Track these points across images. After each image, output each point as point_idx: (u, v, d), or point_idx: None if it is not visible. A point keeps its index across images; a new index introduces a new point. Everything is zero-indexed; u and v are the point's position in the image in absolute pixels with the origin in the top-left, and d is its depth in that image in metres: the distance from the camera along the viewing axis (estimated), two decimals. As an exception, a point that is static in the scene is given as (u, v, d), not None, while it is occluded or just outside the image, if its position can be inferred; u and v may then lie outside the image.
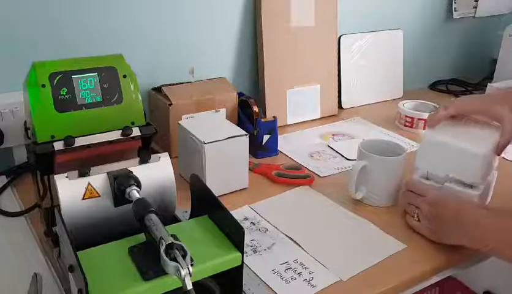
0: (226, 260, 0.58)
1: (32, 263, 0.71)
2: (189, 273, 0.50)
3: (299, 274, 0.70)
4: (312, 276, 0.69)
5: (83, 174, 0.61)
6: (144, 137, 0.69)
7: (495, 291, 1.34)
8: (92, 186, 0.61)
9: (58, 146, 0.63)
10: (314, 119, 1.27)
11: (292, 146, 1.10)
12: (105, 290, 0.51)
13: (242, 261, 0.59)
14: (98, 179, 0.62)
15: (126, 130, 0.67)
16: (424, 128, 1.19)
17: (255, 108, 1.05)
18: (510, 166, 1.04)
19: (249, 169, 0.92)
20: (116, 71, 0.68)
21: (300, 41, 1.21)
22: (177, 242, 0.52)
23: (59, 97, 0.64)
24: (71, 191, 0.60)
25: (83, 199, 0.61)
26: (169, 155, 0.68)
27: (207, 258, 0.57)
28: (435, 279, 0.75)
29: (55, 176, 0.61)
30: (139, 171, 0.64)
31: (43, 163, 0.65)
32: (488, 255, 0.79)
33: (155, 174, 0.66)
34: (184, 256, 0.51)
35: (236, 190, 0.91)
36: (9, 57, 0.91)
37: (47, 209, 0.71)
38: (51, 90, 0.64)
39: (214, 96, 1.05)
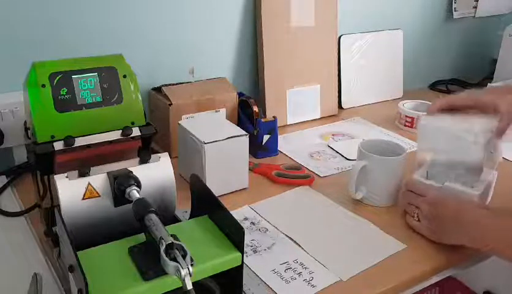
0: (226, 259, 0.58)
1: (32, 263, 0.71)
2: (189, 273, 0.50)
3: (299, 274, 0.70)
4: (312, 276, 0.69)
5: (83, 174, 0.61)
6: (144, 137, 0.69)
7: (495, 291, 1.34)
8: (92, 186, 0.61)
9: (58, 146, 0.63)
10: (314, 119, 1.27)
11: (292, 146, 1.10)
12: (105, 290, 0.51)
13: (242, 261, 0.59)
14: (98, 179, 0.62)
15: (126, 130, 0.67)
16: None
17: (255, 108, 1.05)
18: (510, 166, 1.04)
19: (249, 169, 0.92)
20: (116, 71, 0.68)
21: (300, 41, 1.21)
22: (177, 242, 0.52)
23: (59, 97, 0.64)
24: (71, 191, 0.60)
25: (83, 199, 0.61)
26: (169, 155, 0.68)
27: (207, 258, 0.57)
28: (435, 279, 0.75)
29: (55, 176, 0.61)
30: (139, 171, 0.64)
31: (43, 163, 0.65)
32: (488, 254, 0.79)
33: (155, 174, 0.66)
34: (184, 256, 0.51)
35: (236, 190, 0.91)
36: (9, 57, 0.91)
37: (47, 209, 0.71)
38: (51, 90, 0.64)
39: (214, 96, 1.05)
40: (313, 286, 0.67)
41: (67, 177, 0.61)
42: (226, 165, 0.87)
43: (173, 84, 1.07)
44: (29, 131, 0.67)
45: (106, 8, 0.99)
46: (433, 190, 0.80)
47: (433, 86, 1.60)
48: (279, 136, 1.06)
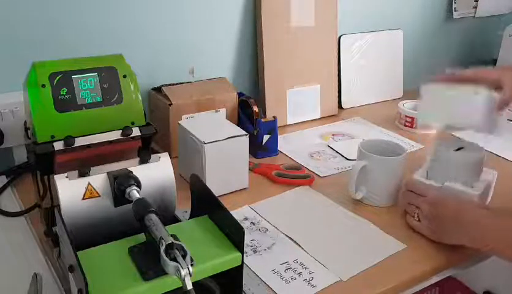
0: (226, 259, 0.58)
1: (32, 263, 0.71)
2: (189, 273, 0.50)
3: (299, 274, 0.70)
4: (312, 276, 0.69)
5: (83, 174, 0.61)
6: (144, 137, 0.69)
7: (495, 291, 1.34)
8: (92, 186, 0.61)
9: (58, 146, 0.63)
10: (314, 119, 1.27)
11: (292, 146, 1.10)
12: (105, 290, 0.51)
13: (242, 261, 0.59)
14: (98, 179, 0.62)
15: (126, 130, 0.67)
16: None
17: (255, 108, 1.05)
18: (510, 166, 1.04)
19: (249, 169, 0.92)
20: (116, 71, 0.68)
21: (300, 41, 1.21)
22: (177, 242, 0.52)
23: (59, 97, 0.64)
24: (71, 191, 0.60)
25: (83, 199, 0.61)
26: (169, 155, 0.68)
27: (207, 258, 0.57)
28: (435, 279, 0.75)
29: (55, 176, 0.61)
30: (139, 171, 0.64)
31: (43, 163, 0.65)
32: (488, 254, 0.79)
33: (155, 174, 0.66)
34: (184, 256, 0.51)
35: (236, 190, 0.91)
36: (9, 57, 0.91)
37: (47, 209, 0.71)
38: (51, 90, 0.64)
39: (214, 96, 1.05)
40: (313, 286, 0.67)
41: (67, 177, 0.61)
42: (226, 165, 0.87)
43: (173, 84, 1.07)
44: (29, 131, 0.67)
45: (106, 8, 0.99)
46: (433, 190, 0.80)
47: (433, 86, 1.60)
48: (279, 136, 1.06)
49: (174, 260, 0.50)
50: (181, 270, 0.49)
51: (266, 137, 1.03)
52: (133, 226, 0.59)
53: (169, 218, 0.68)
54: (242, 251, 0.58)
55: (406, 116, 1.22)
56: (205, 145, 0.84)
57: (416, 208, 0.79)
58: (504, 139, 1.13)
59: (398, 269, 0.72)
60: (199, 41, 1.13)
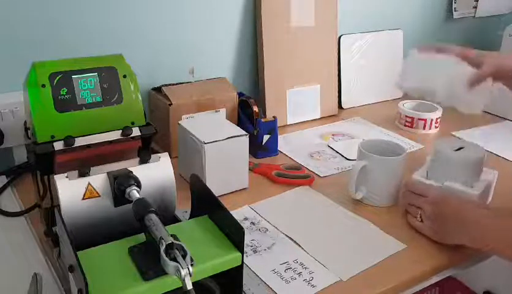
0: (226, 259, 0.58)
1: (32, 263, 0.71)
2: (189, 273, 0.50)
3: (299, 274, 0.70)
4: (312, 276, 0.69)
5: (83, 174, 0.61)
6: (144, 137, 0.69)
7: (495, 291, 1.34)
8: (92, 186, 0.61)
9: (58, 146, 0.63)
10: (314, 119, 1.27)
11: (292, 146, 1.10)
12: (105, 290, 0.51)
13: (242, 261, 0.59)
14: (98, 179, 0.62)
15: (126, 130, 0.67)
16: (423, 129, 1.20)
17: (255, 108, 1.05)
18: (510, 166, 1.04)
19: (249, 169, 0.92)
20: (116, 71, 0.68)
21: (300, 41, 1.21)
22: (177, 242, 0.52)
23: (59, 97, 0.64)
24: (71, 191, 0.60)
25: (83, 199, 0.61)
26: (169, 155, 0.68)
27: (207, 258, 0.57)
28: (435, 279, 0.75)
29: (55, 176, 0.61)
30: (139, 171, 0.64)
31: (43, 163, 0.65)
32: (488, 254, 0.79)
33: (155, 174, 0.66)
34: (184, 256, 0.51)
35: (236, 190, 0.91)
36: (9, 57, 0.91)
37: (47, 209, 0.71)
38: (51, 90, 0.64)
39: (214, 96, 1.05)
40: (313, 286, 0.67)
41: (67, 177, 0.61)
42: (226, 165, 0.87)
43: (173, 84, 1.07)
44: (29, 131, 0.67)
45: (106, 8, 0.99)
46: (434, 190, 0.80)
47: (433, 86, 1.60)
48: (279, 136, 1.06)
49: (174, 260, 0.50)
50: (181, 270, 0.49)
51: (266, 137, 1.03)
52: (133, 226, 0.59)
53: (169, 218, 0.68)
54: (242, 251, 0.58)
55: (406, 116, 1.22)
56: (205, 145, 0.84)
57: (418, 209, 0.79)
58: (505, 139, 1.14)
59: (398, 269, 0.72)
60: (199, 41, 1.13)
